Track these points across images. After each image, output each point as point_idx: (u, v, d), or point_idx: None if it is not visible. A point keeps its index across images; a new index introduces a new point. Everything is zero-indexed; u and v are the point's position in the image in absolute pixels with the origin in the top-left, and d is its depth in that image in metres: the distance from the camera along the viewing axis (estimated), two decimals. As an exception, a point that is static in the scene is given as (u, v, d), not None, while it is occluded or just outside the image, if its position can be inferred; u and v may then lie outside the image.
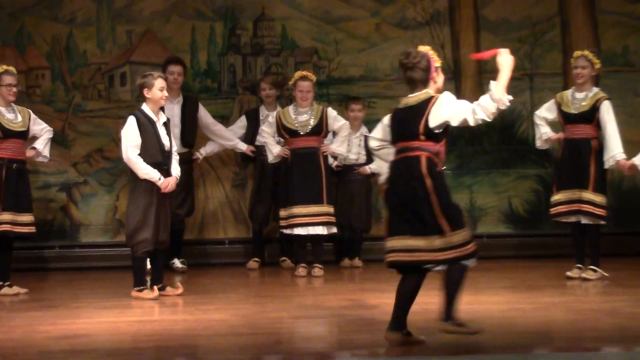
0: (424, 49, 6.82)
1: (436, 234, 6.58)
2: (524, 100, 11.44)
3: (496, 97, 6.54)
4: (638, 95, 11.27)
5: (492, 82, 6.64)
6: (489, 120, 6.63)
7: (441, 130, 6.65)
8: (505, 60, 6.71)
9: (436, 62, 6.78)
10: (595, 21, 11.63)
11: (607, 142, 9.31)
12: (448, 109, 6.65)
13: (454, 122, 6.65)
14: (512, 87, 11.49)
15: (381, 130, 7.00)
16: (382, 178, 7.08)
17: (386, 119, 6.92)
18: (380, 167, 7.14)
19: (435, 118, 6.62)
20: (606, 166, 9.38)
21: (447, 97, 6.69)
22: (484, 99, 6.58)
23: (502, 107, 6.64)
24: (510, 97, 6.57)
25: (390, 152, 6.91)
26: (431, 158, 6.64)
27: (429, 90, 6.73)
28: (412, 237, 6.60)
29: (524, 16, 11.59)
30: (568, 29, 11.62)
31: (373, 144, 7.09)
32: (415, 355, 6.63)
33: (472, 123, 6.68)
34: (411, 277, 6.78)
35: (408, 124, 6.67)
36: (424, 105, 6.65)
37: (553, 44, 11.58)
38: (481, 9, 11.55)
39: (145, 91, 8.73)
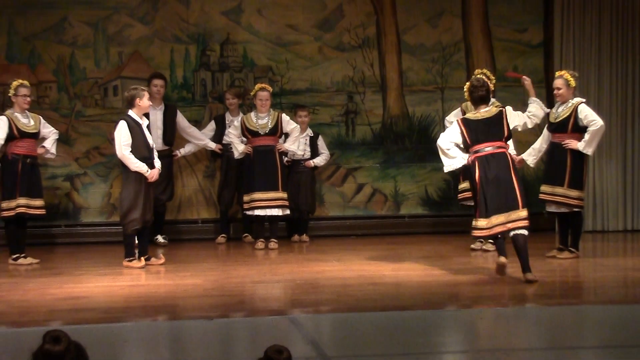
0: (484, 77, 8.19)
1: (513, 209, 7.57)
2: (436, 108, 11.48)
3: (542, 106, 8.14)
4: None
5: (531, 98, 8.31)
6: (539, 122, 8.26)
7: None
8: (528, 83, 8.47)
9: (492, 86, 8.17)
10: (492, 46, 11.67)
11: (501, 141, 9.36)
12: (516, 118, 7.85)
13: (520, 127, 7.94)
14: (427, 99, 11.71)
15: (453, 135, 7.81)
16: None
17: (457, 128, 7.79)
18: (454, 160, 7.88)
19: (512, 124, 7.78)
20: (501, 160, 9.42)
21: (510, 109, 7.92)
22: (533, 108, 8.12)
23: (547, 111, 8.38)
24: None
25: (457, 151, 7.80)
26: (510, 154, 7.82)
27: (492, 106, 7.94)
28: (501, 214, 7.58)
29: (436, 41, 11.60)
30: (470, 52, 11.65)
31: (446, 145, 7.83)
32: (350, 312, 6.64)
33: (530, 126, 8.08)
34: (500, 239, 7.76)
35: (493, 129, 7.72)
36: (500, 116, 7.77)
37: (459, 64, 11.61)
38: (402, 36, 11.54)
39: (137, 100, 8.75)
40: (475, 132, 7.75)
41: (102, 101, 11.11)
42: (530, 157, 9.22)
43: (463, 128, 7.80)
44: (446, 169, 8.03)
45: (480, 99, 7.86)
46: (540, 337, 6.07)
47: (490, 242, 9.59)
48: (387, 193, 11.51)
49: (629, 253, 10.54)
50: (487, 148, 7.71)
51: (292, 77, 11.40)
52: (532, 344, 5.88)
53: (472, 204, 9.36)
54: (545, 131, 9.17)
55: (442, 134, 8.04)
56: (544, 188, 9.07)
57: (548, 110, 8.45)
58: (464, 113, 9.56)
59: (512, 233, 7.68)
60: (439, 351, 5.66)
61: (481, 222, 7.74)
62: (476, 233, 7.91)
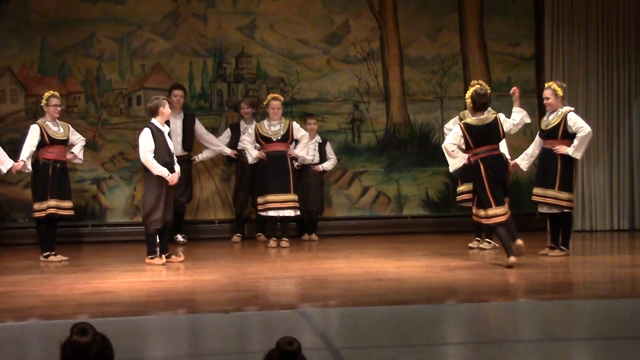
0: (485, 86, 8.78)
1: (504, 202, 8.18)
2: (436, 116, 11.46)
3: (525, 117, 8.58)
4: None
5: (516, 107, 8.64)
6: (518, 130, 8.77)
7: None
8: (517, 95, 8.74)
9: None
10: (487, 59, 11.65)
11: (496, 147, 9.33)
12: (506, 123, 8.45)
13: (510, 132, 8.54)
14: (427, 107, 11.67)
15: (456, 138, 8.28)
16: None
17: (460, 131, 8.27)
18: (457, 160, 8.44)
19: (505, 129, 8.37)
20: (496, 165, 9.39)
21: (503, 115, 8.51)
22: (518, 118, 8.55)
23: (528, 121, 8.78)
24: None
25: (459, 152, 8.32)
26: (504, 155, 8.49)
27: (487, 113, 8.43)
28: (500, 207, 8.16)
29: (435, 54, 11.58)
30: (467, 64, 11.62)
31: (451, 147, 8.35)
32: (356, 306, 6.61)
33: (512, 132, 8.66)
34: (503, 226, 8.22)
35: (492, 134, 8.26)
36: (496, 122, 8.33)
37: (457, 75, 11.59)
38: (404, 49, 11.53)
39: (160, 109, 8.74)
40: (477, 136, 8.25)
41: (127, 110, 11.12)
42: (523, 161, 9.20)
43: (465, 132, 8.27)
44: (451, 169, 8.58)
45: (482, 106, 8.37)
46: (534, 330, 6.04)
47: (487, 241, 9.58)
48: (390, 195, 11.49)
49: (616, 251, 10.51)
50: (487, 150, 8.25)
51: (302, 87, 11.39)
52: (525, 336, 5.84)
53: (471, 205, 9.37)
54: (537, 138, 9.15)
55: (447, 137, 8.51)
56: (536, 190, 9.03)
57: (529, 120, 8.85)
58: (461, 121, 9.55)
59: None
60: (439, 343, 5.62)
61: (485, 212, 8.23)
62: (485, 221, 8.35)
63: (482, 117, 8.36)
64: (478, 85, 9.25)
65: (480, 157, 8.25)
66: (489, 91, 9.53)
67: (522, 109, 8.71)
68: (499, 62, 11.66)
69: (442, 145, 8.53)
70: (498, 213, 8.21)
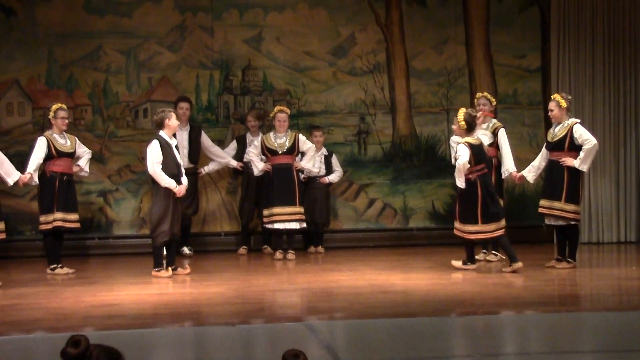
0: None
1: (500, 219, 8.59)
2: (442, 128, 11.46)
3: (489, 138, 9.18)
4: None
5: (481, 130, 9.02)
6: None
7: None
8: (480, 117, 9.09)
9: (492, 108, 9.42)
10: (493, 71, 11.66)
11: (503, 159, 9.33)
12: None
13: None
14: (433, 119, 11.68)
15: (469, 157, 8.52)
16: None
17: (468, 151, 8.52)
18: (463, 180, 8.69)
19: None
20: (503, 177, 9.41)
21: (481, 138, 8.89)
22: (485, 140, 8.96)
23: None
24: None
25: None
26: None
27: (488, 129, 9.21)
28: (494, 223, 8.57)
29: (442, 67, 11.59)
30: (474, 76, 11.63)
31: (467, 165, 8.52)
32: (363, 318, 6.60)
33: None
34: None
35: (483, 153, 8.68)
36: (482, 143, 8.72)
37: (463, 88, 11.60)
38: (410, 61, 11.54)
39: (166, 121, 8.76)
40: (477, 154, 8.56)
41: (133, 123, 11.14)
42: (530, 173, 9.20)
43: (470, 151, 8.52)
44: (462, 185, 8.64)
45: (476, 126, 8.75)
46: (541, 342, 6.01)
47: (493, 253, 9.57)
48: (396, 207, 11.48)
49: (623, 263, 10.48)
50: (482, 168, 8.63)
51: (309, 99, 11.41)
52: (532, 349, 5.83)
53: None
54: (543, 150, 9.15)
55: (462, 156, 8.54)
56: (542, 202, 9.03)
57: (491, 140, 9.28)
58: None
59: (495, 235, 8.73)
60: (446, 355, 5.61)
61: (475, 227, 8.59)
62: (470, 236, 8.72)
63: (476, 137, 8.68)
64: (483, 98, 9.42)
65: (478, 174, 8.58)
66: (494, 103, 9.63)
67: (486, 130, 9.22)
68: (505, 74, 11.66)
69: (460, 163, 8.52)
70: (482, 230, 8.60)
